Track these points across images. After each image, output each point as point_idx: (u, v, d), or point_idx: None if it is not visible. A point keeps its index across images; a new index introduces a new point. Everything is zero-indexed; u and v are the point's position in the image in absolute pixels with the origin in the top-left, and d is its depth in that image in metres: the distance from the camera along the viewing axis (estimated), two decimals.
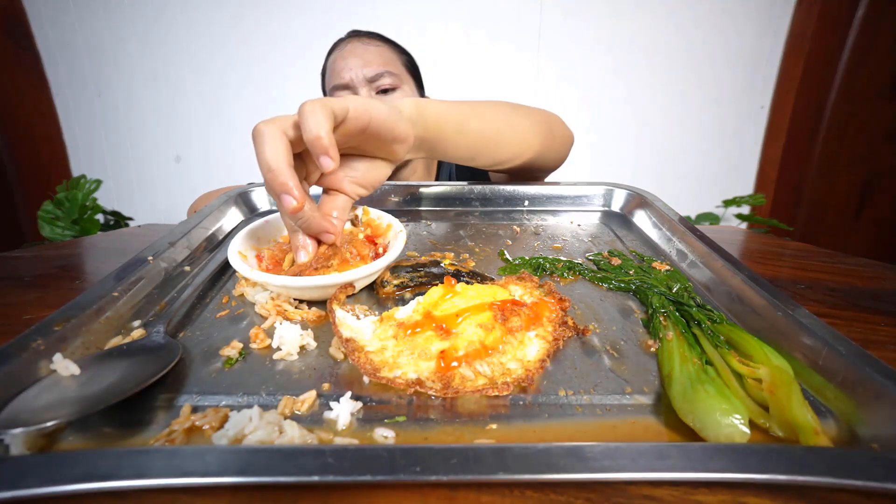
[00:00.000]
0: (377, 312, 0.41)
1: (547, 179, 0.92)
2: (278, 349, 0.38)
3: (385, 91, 0.93)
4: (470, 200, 0.76)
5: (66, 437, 0.29)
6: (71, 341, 0.36)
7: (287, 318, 0.42)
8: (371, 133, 0.46)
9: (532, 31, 1.81)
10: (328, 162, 0.40)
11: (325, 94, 1.06)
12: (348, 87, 0.92)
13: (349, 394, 0.32)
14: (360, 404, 0.31)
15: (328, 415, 0.31)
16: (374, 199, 0.75)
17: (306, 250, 0.45)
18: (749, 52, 1.83)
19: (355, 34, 1.00)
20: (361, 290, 0.48)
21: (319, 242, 0.46)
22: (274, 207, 0.75)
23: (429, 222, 0.70)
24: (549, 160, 0.80)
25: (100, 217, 1.63)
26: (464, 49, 1.81)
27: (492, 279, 0.49)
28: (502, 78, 1.85)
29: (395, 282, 0.47)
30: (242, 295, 0.47)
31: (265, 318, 0.42)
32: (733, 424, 0.28)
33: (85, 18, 1.85)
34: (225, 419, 0.30)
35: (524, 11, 1.79)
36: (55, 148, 2.01)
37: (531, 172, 0.80)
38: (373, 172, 0.50)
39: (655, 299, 0.44)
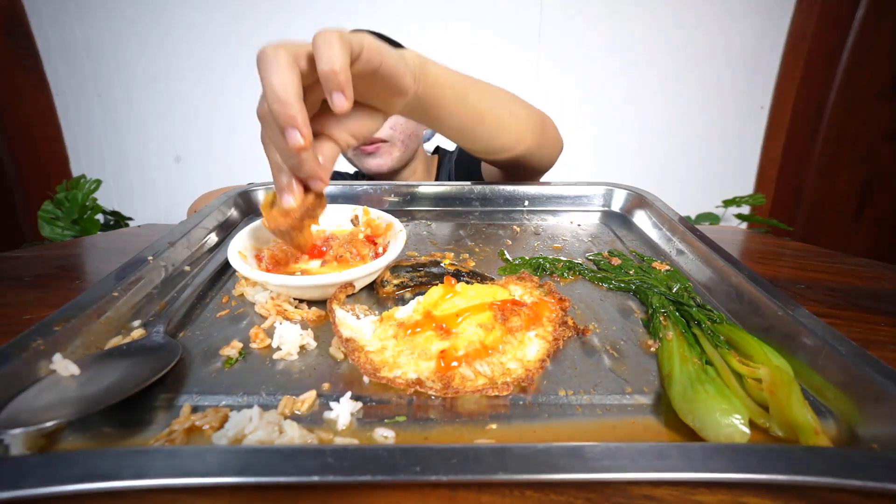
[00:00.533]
0: (377, 312, 0.41)
1: (547, 179, 0.92)
2: (278, 349, 0.38)
3: None
4: (470, 200, 0.76)
5: (66, 437, 0.29)
6: (71, 341, 0.36)
7: (287, 318, 0.42)
8: (378, 78, 0.43)
9: (532, 31, 1.81)
10: (342, 100, 0.36)
11: None
12: None
13: (349, 394, 0.32)
14: (360, 404, 0.31)
15: (328, 415, 0.31)
16: (374, 199, 0.75)
17: (292, 194, 0.41)
18: (749, 52, 1.83)
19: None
20: (361, 289, 0.48)
21: (305, 189, 0.42)
22: None
23: (429, 222, 0.70)
24: (540, 159, 0.77)
25: (100, 217, 1.63)
26: (464, 49, 1.82)
27: (492, 279, 0.49)
28: (503, 78, 1.85)
29: (395, 281, 0.47)
30: (242, 295, 0.47)
31: (265, 318, 0.42)
32: (733, 424, 0.28)
33: (85, 18, 1.85)
34: (225, 419, 0.30)
35: (524, 11, 1.79)
36: (55, 148, 2.01)
37: (519, 171, 0.78)
38: (366, 122, 0.46)
39: (655, 299, 0.44)
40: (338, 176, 1.14)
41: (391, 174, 0.99)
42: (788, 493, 0.24)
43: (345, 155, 1.00)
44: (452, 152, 1.13)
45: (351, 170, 1.17)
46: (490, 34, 1.81)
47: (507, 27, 1.81)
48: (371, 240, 0.53)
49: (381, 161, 0.94)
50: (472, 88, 0.62)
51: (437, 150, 1.17)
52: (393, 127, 0.93)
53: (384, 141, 0.93)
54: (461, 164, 1.04)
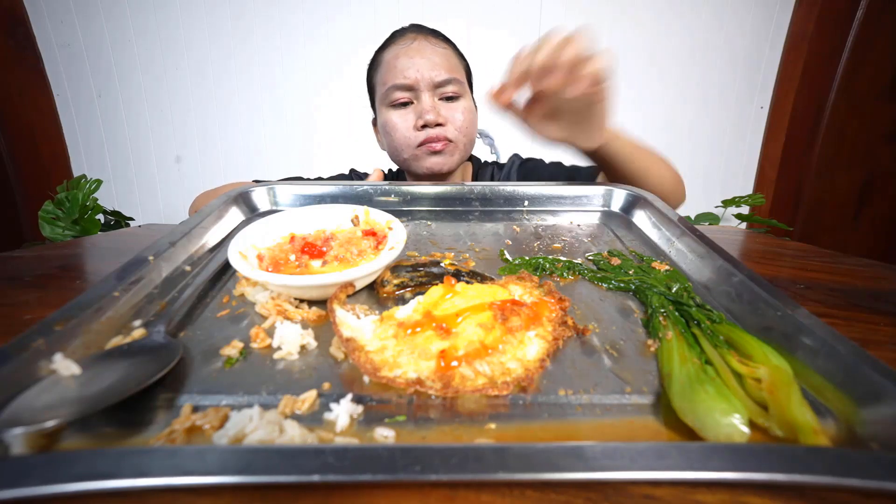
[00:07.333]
0: (377, 312, 0.41)
1: (546, 179, 0.93)
2: (279, 349, 0.38)
3: (449, 98, 0.92)
4: (470, 200, 0.76)
5: (67, 437, 0.29)
6: (71, 341, 0.36)
7: (287, 318, 0.42)
8: (595, 111, 0.67)
9: (532, 27, 1.81)
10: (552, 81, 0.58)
11: (371, 88, 1.02)
12: (411, 89, 0.90)
13: (349, 396, 0.32)
14: (359, 408, 0.31)
15: (328, 415, 0.31)
16: (375, 200, 0.75)
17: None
18: (749, 53, 1.83)
19: (419, 29, 0.97)
20: (361, 289, 0.48)
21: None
22: (274, 207, 0.75)
23: (429, 222, 0.70)
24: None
25: (100, 217, 1.63)
26: (464, 46, 1.82)
27: (492, 279, 0.49)
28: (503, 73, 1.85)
29: (396, 281, 0.47)
30: (243, 294, 0.47)
31: (265, 318, 0.42)
32: (733, 424, 0.28)
33: (85, 18, 1.85)
34: (225, 419, 0.30)
35: (524, 12, 1.79)
36: (55, 148, 2.01)
37: None
38: (554, 127, 0.71)
39: (655, 299, 0.44)
40: (355, 176, 1.14)
41: (442, 176, 0.99)
42: (788, 493, 0.24)
43: (399, 157, 0.99)
44: (493, 164, 1.13)
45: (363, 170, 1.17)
46: (489, 32, 1.81)
47: (507, 25, 1.81)
48: (370, 232, 0.53)
49: (442, 160, 0.94)
50: (637, 154, 0.78)
51: (471, 158, 1.16)
52: (459, 129, 0.93)
53: (451, 141, 0.93)
54: (535, 178, 1.05)
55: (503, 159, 1.17)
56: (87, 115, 1.99)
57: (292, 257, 0.50)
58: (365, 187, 0.76)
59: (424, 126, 0.91)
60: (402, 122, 0.92)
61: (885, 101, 1.79)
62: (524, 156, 1.12)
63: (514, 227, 0.68)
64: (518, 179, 1.06)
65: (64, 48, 1.89)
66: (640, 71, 1.85)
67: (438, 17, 1.78)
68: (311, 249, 0.50)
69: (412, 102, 0.92)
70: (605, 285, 0.50)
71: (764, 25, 1.79)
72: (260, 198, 0.74)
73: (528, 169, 1.07)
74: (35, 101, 1.93)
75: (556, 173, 1.03)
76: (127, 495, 0.24)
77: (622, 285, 0.49)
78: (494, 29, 1.81)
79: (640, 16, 1.78)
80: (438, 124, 0.91)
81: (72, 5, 1.83)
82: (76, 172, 2.04)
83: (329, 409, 0.31)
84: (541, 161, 1.08)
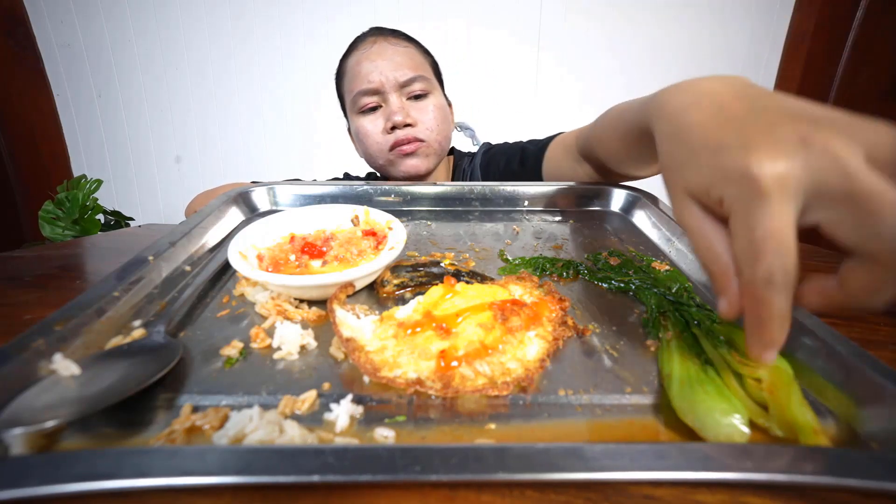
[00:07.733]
0: (377, 312, 0.41)
1: (546, 180, 0.92)
2: (279, 349, 0.38)
3: (417, 97, 0.91)
4: (470, 200, 0.76)
5: (67, 437, 0.29)
6: (71, 341, 0.36)
7: (287, 318, 0.42)
8: None
9: (532, 28, 1.81)
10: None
11: (342, 98, 1.02)
12: (377, 92, 0.89)
13: (349, 396, 0.32)
14: (359, 408, 0.31)
15: (328, 416, 0.31)
16: (375, 200, 0.75)
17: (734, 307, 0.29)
18: (749, 53, 1.83)
19: (378, 32, 0.95)
20: (361, 289, 0.48)
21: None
22: (274, 207, 0.75)
23: (429, 222, 0.70)
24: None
25: (100, 217, 1.63)
26: (464, 46, 1.82)
27: (492, 279, 0.49)
28: (503, 76, 1.85)
29: (396, 281, 0.47)
30: (243, 294, 0.47)
31: (265, 318, 0.42)
32: (733, 424, 0.28)
33: (85, 18, 1.85)
34: (225, 419, 0.30)
35: (524, 10, 1.79)
36: (55, 148, 2.01)
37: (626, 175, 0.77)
38: None
39: (655, 299, 0.44)
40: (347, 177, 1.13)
41: (422, 176, 0.97)
42: (788, 493, 0.24)
43: (375, 163, 0.98)
44: (469, 155, 1.11)
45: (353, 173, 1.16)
46: (490, 30, 1.81)
47: (507, 25, 1.81)
48: (370, 232, 0.54)
49: (418, 162, 0.93)
50: None
51: (452, 150, 1.14)
52: (429, 128, 0.91)
53: (422, 141, 0.91)
54: (494, 165, 1.01)
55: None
56: (87, 115, 1.99)
57: (292, 257, 0.50)
58: (365, 187, 0.76)
59: (394, 128, 0.89)
60: (373, 128, 0.91)
61: (885, 101, 1.79)
62: (495, 143, 1.09)
63: (514, 227, 0.68)
64: (482, 167, 1.04)
65: (64, 48, 1.89)
66: (640, 71, 1.85)
67: (438, 17, 1.78)
68: (311, 249, 0.50)
69: (381, 106, 0.91)
70: (605, 285, 0.50)
71: (764, 25, 1.79)
72: (260, 198, 0.74)
73: (491, 155, 1.04)
74: (35, 101, 1.93)
75: (513, 150, 0.99)
76: (127, 495, 0.24)
77: (622, 285, 0.49)
78: (494, 29, 1.81)
79: (639, 16, 1.78)
80: (407, 125, 0.89)
81: (72, 5, 1.83)
82: (76, 172, 2.04)
83: (329, 410, 0.31)
84: (504, 144, 1.06)
